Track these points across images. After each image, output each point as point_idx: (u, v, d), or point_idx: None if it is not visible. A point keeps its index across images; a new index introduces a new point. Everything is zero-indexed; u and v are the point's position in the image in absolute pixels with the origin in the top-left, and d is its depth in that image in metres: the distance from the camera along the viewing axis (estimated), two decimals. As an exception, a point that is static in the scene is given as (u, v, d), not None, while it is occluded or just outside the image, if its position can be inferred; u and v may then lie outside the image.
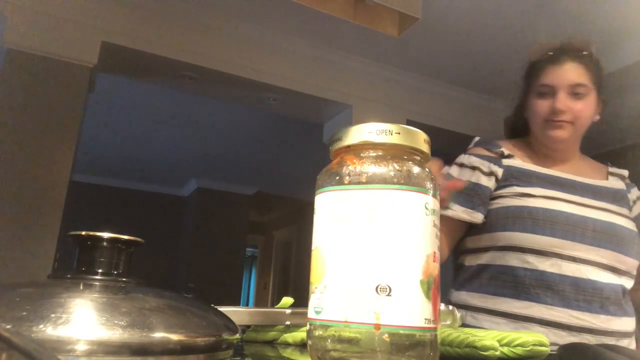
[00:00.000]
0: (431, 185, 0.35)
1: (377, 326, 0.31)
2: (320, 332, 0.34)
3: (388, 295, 0.31)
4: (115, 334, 0.29)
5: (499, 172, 1.07)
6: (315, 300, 0.34)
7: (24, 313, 0.29)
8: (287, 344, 0.53)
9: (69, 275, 0.36)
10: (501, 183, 1.06)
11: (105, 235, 0.37)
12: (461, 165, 1.09)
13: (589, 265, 0.97)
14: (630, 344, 1.00)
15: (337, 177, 0.36)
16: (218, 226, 5.74)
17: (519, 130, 1.18)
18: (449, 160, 1.08)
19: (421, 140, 0.36)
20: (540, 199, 1.00)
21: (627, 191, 1.13)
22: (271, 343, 0.54)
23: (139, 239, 0.38)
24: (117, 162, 5.31)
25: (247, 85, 2.95)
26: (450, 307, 0.57)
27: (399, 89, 3.32)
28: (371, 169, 0.35)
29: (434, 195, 0.35)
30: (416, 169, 0.35)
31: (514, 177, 1.06)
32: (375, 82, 3.24)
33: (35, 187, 2.30)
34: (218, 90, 3.15)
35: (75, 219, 2.35)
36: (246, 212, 6.01)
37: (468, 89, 3.39)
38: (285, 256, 7.17)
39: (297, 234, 6.73)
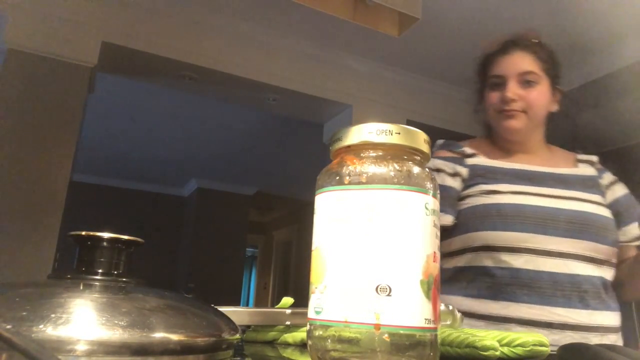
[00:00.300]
0: (431, 185, 0.35)
1: (377, 326, 0.31)
2: (321, 332, 0.34)
3: (388, 295, 0.31)
4: (115, 334, 0.29)
5: (464, 171, 1.06)
6: (315, 300, 0.34)
7: (24, 313, 0.29)
8: (287, 344, 0.53)
9: (69, 275, 0.36)
10: (467, 183, 1.04)
11: (105, 235, 0.37)
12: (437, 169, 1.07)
13: (566, 258, 0.94)
14: (617, 340, 0.97)
15: (337, 177, 0.36)
16: (218, 226, 5.74)
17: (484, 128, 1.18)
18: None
19: (421, 140, 0.36)
20: (508, 195, 0.98)
21: (599, 177, 1.10)
22: (271, 343, 0.54)
23: (139, 239, 0.38)
24: (117, 162, 5.31)
25: (247, 85, 2.95)
26: (450, 307, 0.57)
27: (399, 89, 3.32)
28: (371, 169, 0.35)
29: (434, 195, 0.35)
30: (416, 169, 0.35)
31: (479, 175, 1.04)
32: (375, 82, 3.24)
33: (35, 187, 2.30)
34: (218, 90, 3.15)
35: (75, 219, 2.35)
36: (246, 212, 6.01)
37: (468, 89, 3.39)
38: (285, 256, 7.17)
39: (297, 234, 6.73)
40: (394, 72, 3.29)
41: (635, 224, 1.05)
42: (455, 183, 1.04)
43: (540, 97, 1.05)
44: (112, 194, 5.82)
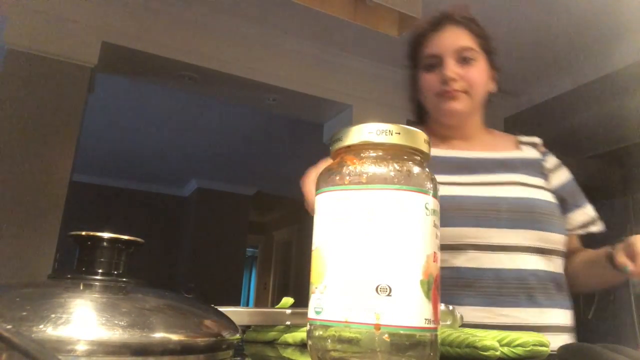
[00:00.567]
0: (431, 186, 0.35)
1: (377, 326, 0.31)
2: (321, 332, 0.34)
3: (388, 295, 0.31)
4: (115, 334, 0.29)
5: None
6: (315, 301, 0.34)
7: (24, 313, 0.29)
8: (287, 344, 0.53)
9: (69, 276, 0.36)
10: None
11: (106, 235, 0.37)
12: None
13: (511, 252, 0.85)
14: (569, 341, 0.88)
15: (337, 177, 0.36)
16: (218, 226, 5.74)
17: (422, 116, 1.08)
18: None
19: (421, 140, 0.36)
20: (444, 187, 0.87)
21: (543, 159, 1.02)
22: (271, 343, 0.54)
23: (139, 239, 0.38)
24: (117, 162, 5.31)
25: (247, 85, 2.95)
26: (451, 307, 0.57)
27: (399, 89, 3.32)
28: (371, 169, 0.35)
29: (434, 196, 0.35)
30: (416, 169, 0.35)
31: None
32: (375, 82, 3.24)
33: (35, 187, 2.30)
34: (218, 90, 3.15)
35: (76, 219, 2.35)
36: (246, 212, 6.01)
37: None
38: (285, 256, 7.17)
39: (297, 234, 6.73)
40: (394, 72, 3.29)
41: (580, 211, 0.99)
42: None
43: (481, 75, 0.97)
44: (112, 194, 5.82)
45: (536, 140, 1.07)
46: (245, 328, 0.55)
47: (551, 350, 0.52)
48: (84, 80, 2.51)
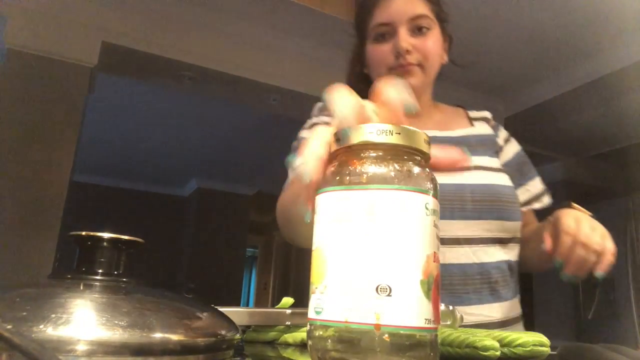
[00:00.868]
0: (431, 186, 0.35)
1: (378, 326, 0.31)
2: (321, 333, 0.34)
3: (388, 295, 0.31)
4: (115, 334, 0.29)
5: None
6: (315, 301, 0.34)
7: (25, 313, 0.29)
8: (287, 344, 0.53)
9: (69, 276, 0.36)
10: None
11: (106, 235, 0.37)
12: (312, 126, 0.89)
13: (474, 245, 0.81)
14: (520, 327, 0.86)
15: (338, 177, 0.36)
16: (218, 226, 5.74)
17: (362, 93, 1.02)
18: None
19: (421, 140, 0.36)
20: None
21: (496, 135, 0.96)
22: (271, 343, 0.54)
23: (139, 239, 0.38)
24: (117, 162, 5.31)
25: (247, 85, 2.95)
26: (451, 307, 0.57)
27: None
28: (371, 169, 0.35)
29: (434, 196, 0.35)
30: (416, 169, 0.35)
31: None
32: (375, 82, 3.24)
33: (36, 187, 2.30)
34: (218, 90, 3.15)
35: (76, 219, 2.35)
36: (246, 212, 6.01)
37: (467, 89, 3.39)
38: (286, 256, 7.17)
39: (297, 234, 6.72)
40: (394, 72, 3.29)
41: (522, 189, 0.94)
42: None
43: (436, 46, 0.88)
44: (112, 194, 5.82)
45: (486, 114, 1.01)
46: (245, 328, 0.55)
47: (551, 351, 0.52)
48: (84, 80, 2.51)
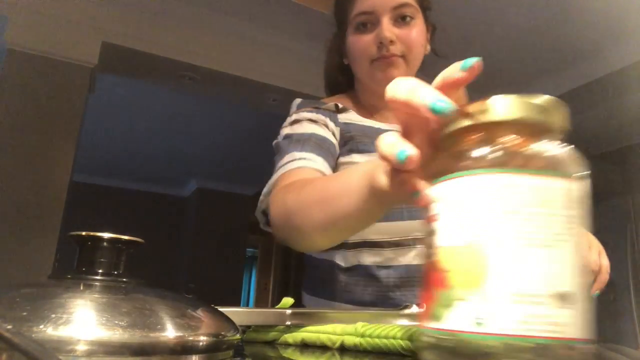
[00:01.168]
0: None
1: (559, 339, 0.26)
2: (481, 348, 0.27)
3: (569, 303, 0.27)
4: (115, 334, 0.29)
5: (337, 131, 0.83)
6: (471, 310, 0.27)
7: (25, 313, 0.29)
8: (287, 345, 0.53)
9: (69, 276, 0.36)
10: (340, 149, 0.83)
11: (106, 235, 0.37)
12: (294, 122, 0.84)
13: None
14: None
15: (494, 157, 0.29)
16: (218, 226, 5.74)
17: (341, 85, 0.96)
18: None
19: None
20: None
21: None
22: (271, 343, 0.54)
23: (139, 239, 0.38)
24: (117, 162, 5.31)
25: (247, 85, 2.95)
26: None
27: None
28: (547, 151, 0.29)
29: None
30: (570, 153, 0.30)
31: (354, 139, 0.83)
32: (375, 82, 3.24)
33: (36, 188, 2.30)
34: (218, 90, 3.15)
35: (76, 219, 2.35)
36: (246, 213, 6.01)
37: (465, 88, 3.39)
38: (286, 257, 7.17)
39: (297, 234, 6.72)
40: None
41: None
42: (332, 137, 0.81)
43: (420, 37, 0.84)
44: (112, 194, 5.82)
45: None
46: (246, 328, 0.55)
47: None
48: (84, 80, 2.51)
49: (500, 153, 0.29)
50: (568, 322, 0.26)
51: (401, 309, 0.55)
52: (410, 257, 0.78)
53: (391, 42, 0.80)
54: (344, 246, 0.80)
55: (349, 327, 0.49)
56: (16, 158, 2.29)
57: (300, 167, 0.73)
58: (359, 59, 0.85)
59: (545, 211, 0.28)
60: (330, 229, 0.53)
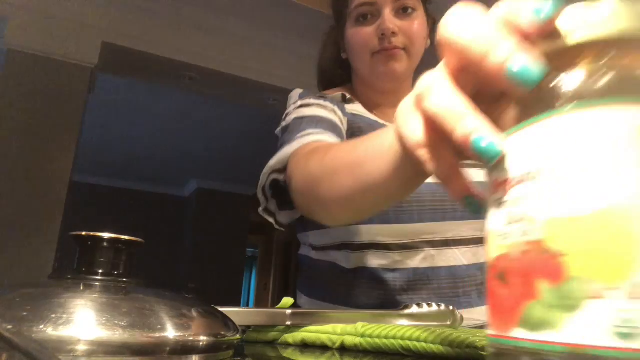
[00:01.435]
0: None
1: None
2: None
3: None
4: (115, 334, 0.29)
5: (344, 122, 0.79)
6: (610, 314, 0.18)
7: (25, 313, 0.29)
8: (287, 345, 0.53)
9: (69, 276, 0.36)
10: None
11: (106, 235, 0.37)
12: (303, 106, 0.78)
13: (462, 246, 0.76)
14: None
15: (625, 86, 0.20)
16: (218, 226, 5.74)
17: (336, 80, 0.93)
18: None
19: None
20: None
21: None
22: (272, 343, 0.54)
23: (139, 240, 0.38)
24: (117, 162, 5.32)
25: (247, 85, 2.95)
26: (451, 307, 0.57)
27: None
28: None
29: None
30: None
31: (362, 132, 0.78)
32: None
33: (36, 188, 2.30)
34: (218, 90, 3.16)
35: (76, 219, 2.35)
36: (246, 213, 6.01)
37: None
38: (286, 257, 7.17)
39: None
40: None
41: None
42: (342, 126, 0.77)
43: (422, 29, 0.82)
44: (112, 194, 5.83)
45: None
46: (246, 328, 0.55)
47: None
48: (84, 80, 2.51)
49: (632, 77, 0.20)
50: None
51: (401, 309, 0.55)
52: (418, 261, 0.75)
53: (393, 33, 0.78)
54: (349, 247, 0.76)
55: (349, 327, 0.49)
56: (16, 158, 2.29)
57: (320, 140, 0.67)
58: (360, 52, 0.81)
59: None
60: (356, 199, 0.46)
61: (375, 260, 0.74)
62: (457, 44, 0.25)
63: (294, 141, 0.69)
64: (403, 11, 0.80)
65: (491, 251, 0.23)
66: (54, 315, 0.29)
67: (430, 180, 0.53)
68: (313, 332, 0.52)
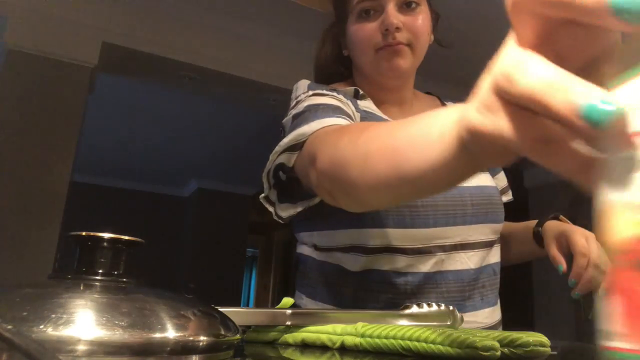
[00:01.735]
0: None
1: None
2: None
3: None
4: (115, 334, 0.29)
5: (357, 117, 0.77)
6: None
7: (25, 313, 0.29)
8: (287, 345, 0.53)
9: (69, 276, 0.36)
10: None
11: (106, 235, 0.37)
12: (316, 95, 0.76)
13: (469, 250, 0.76)
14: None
15: None
16: (218, 227, 5.74)
17: (335, 76, 0.90)
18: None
19: None
20: None
21: None
22: (272, 343, 0.54)
23: (139, 240, 0.38)
24: (117, 162, 5.32)
25: (247, 85, 2.95)
26: (451, 307, 0.57)
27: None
28: None
29: None
30: None
31: None
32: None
33: (36, 188, 2.30)
34: (218, 90, 3.16)
35: (76, 219, 2.35)
36: (246, 213, 6.01)
37: (458, 86, 3.39)
38: (286, 256, 7.17)
39: (297, 234, 6.73)
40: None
41: (498, 177, 0.90)
42: (356, 120, 0.75)
43: (426, 24, 0.80)
44: (112, 194, 5.82)
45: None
46: (246, 328, 0.55)
47: (552, 351, 0.52)
48: (84, 81, 2.51)
49: None
50: None
51: (401, 309, 0.55)
52: (430, 265, 0.73)
53: (397, 29, 0.76)
54: (360, 250, 0.74)
55: (349, 327, 0.49)
56: (16, 158, 2.29)
57: (342, 124, 0.64)
58: (363, 48, 0.79)
59: None
60: (395, 185, 0.42)
61: (387, 264, 0.73)
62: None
63: (313, 122, 0.65)
64: (407, 6, 0.78)
65: (620, 231, 0.17)
66: (54, 315, 0.29)
67: None
68: (313, 332, 0.52)
